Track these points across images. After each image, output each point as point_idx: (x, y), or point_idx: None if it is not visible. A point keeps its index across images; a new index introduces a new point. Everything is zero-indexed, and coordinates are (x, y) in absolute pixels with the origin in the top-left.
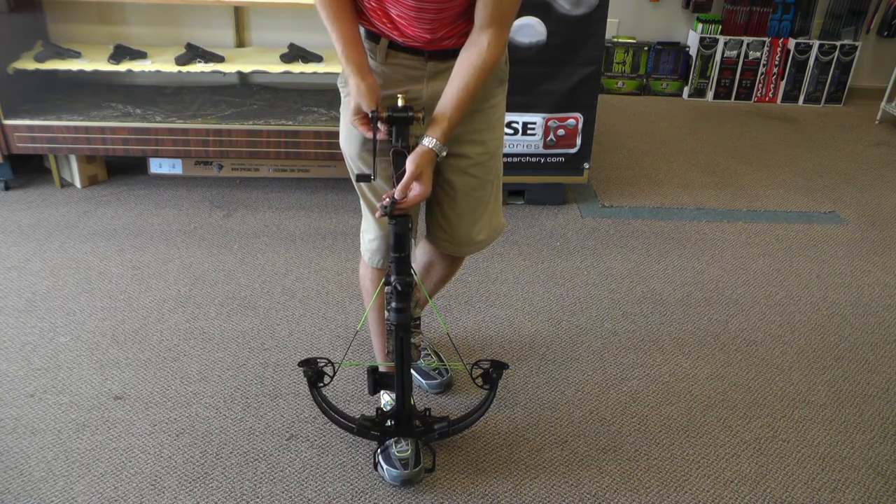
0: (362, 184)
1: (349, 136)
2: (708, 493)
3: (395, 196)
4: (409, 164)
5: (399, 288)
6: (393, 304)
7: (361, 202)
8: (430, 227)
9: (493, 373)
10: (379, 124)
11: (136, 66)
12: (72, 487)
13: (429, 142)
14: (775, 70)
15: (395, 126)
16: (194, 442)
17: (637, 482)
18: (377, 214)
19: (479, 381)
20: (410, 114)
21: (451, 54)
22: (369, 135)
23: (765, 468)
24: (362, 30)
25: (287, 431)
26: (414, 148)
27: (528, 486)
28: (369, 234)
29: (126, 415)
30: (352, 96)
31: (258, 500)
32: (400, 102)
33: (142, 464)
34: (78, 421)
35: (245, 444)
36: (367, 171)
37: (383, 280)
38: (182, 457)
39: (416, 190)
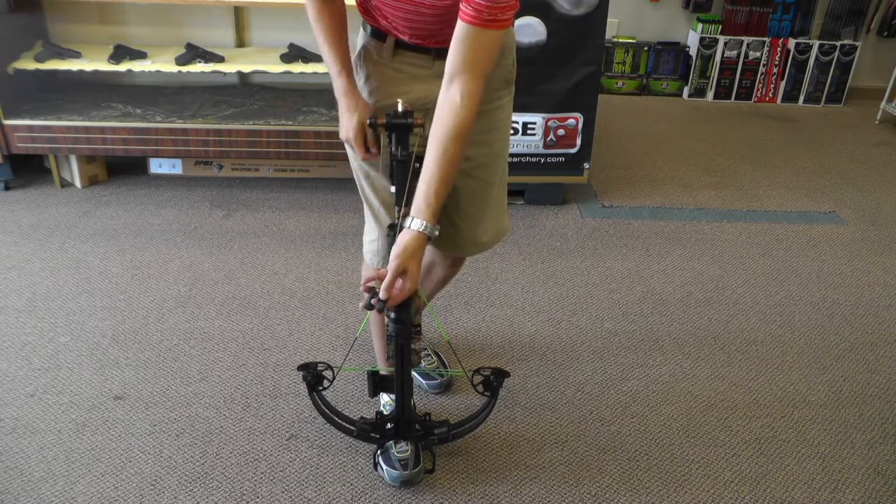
0: (364, 184)
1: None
2: (708, 493)
3: (381, 296)
4: (393, 258)
5: None
6: (392, 315)
7: (364, 204)
8: None
9: (493, 380)
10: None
11: (136, 66)
12: (72, 487)
13: (418, 225)
14: (775, 70)
15: (395, 133)
16: (194, 442)
17: (637, 482)
18: (360, 306)
19: (480, 388)
20: (410, 120)
21: None
22: (362, 153)
23: (765, 468)
24: (369, 28)
25: (287, 431)
26: (412, 156)
27: (527, 486)
28: (370, 236)
29: (126, 415)
30: (344, 114)
31: (258, 500)
32: (399, 107)
33: (142, 464)
34: (78, 421)
35: (245, 444)
36: (378, 197)
37: None
38: (182, 457)
39: (400, 285)
